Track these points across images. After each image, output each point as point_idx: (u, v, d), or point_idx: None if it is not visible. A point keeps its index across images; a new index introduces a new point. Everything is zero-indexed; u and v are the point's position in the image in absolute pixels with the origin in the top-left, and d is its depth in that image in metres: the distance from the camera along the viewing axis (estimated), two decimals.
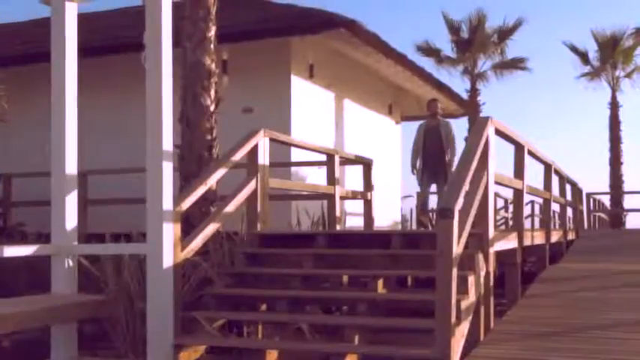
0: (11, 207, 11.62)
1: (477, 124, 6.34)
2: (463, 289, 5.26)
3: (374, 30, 11.38)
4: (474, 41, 22.63)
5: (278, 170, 9.25)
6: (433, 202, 11.93)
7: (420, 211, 11.24)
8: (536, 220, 18.15)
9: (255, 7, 12.04)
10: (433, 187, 11.04)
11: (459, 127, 33.83)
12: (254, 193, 7.22)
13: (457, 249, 4.86)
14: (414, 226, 18.16)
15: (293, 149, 10.32)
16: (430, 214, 11.54)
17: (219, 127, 8.31)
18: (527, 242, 8.01)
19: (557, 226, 12.72)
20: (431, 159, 10.52)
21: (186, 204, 5.99)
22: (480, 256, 5.91)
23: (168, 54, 5.43)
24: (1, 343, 6.13)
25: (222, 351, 5.98)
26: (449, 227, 4.72)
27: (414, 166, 10.74)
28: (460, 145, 10.07)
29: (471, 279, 5.51)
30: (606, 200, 24.06)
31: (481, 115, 21.28)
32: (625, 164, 25.19)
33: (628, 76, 25.84)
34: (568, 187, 12.89)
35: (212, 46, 8.18)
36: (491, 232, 6.24)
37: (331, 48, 11.84)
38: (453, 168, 9.86)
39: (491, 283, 6.24)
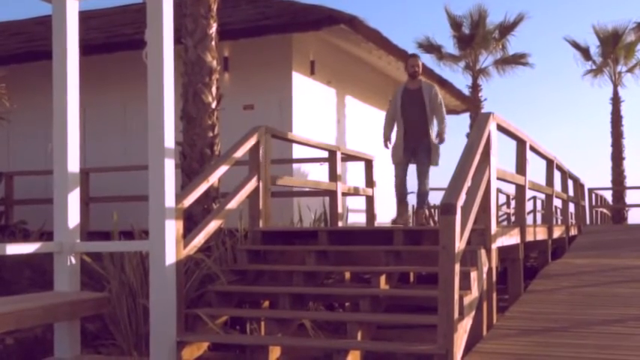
0: (13, 205, 11.63)
1: (479, 120, 6.33)
2: (466, 285, 5.27)
3: (375, 26, 11.38)
4: (475, 37, 22.63)
5: (280, 167, 9.25)
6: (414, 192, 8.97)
7: (399, 208, 8.55)
8: (539, 215, 18.15)
9: (256, 4, 12.04)
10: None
11: (461, 124, 33.88)
12: (256, 190, 7.22)
13: (459, 245, 4.86)
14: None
15: (294, 146, 10.33)
16: (426, 209, 9.19)
17: (221, 124, 8.31)
18: (529, 238, 8.00)
19: (559, 222, 12.73)
20: (411, 131, 8.38)
21: (189, 201, 6.00)
22: (483, 252, 5.91)
23: (169, 51, 5.42)
24: (4, 341, 6.14)
25: (225, 347, 5.99)
26: (451, 223, 4.72)
27: (387, 138, 8.67)
28: (440, 139, 8.42)
29: (474, 275, 5.51)
30: (608, 196, 24.05)
31: (483, 111, 21.29)
32: (627, 159, 25.22)
33: (630, 70, 25.83)
34: (570, 183, 12.87)
35: (213, 43, 8.18)
36: (494, 228, 6.24)
37: (332, 44, 11.84)
38: (445, 138, 8.38)
39: (494, 278, 6.24)
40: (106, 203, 10.87)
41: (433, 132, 8.36)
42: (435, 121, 8.42)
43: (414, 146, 8.36)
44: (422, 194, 8.39)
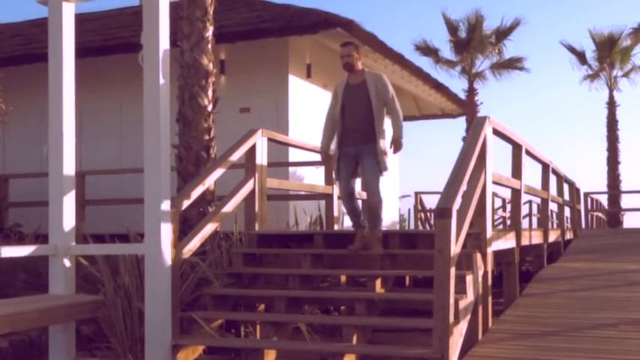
0: (8, 207, 11.61)
1: (475, 124, 6.34)
2: (461, 289, 5.27)
3: (372, 30, 11.41)
4: (471, 41, 22.68)
5: (276, 170, 9.25)
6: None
7: (358, 235, 6.56)
8: (534, 219, 18.18)
9: (252, 7, 12.04)
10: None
11: (457, 127, 33.90)
12: (252, 193, 7.22)
13: (455, 249, 4.86)
14: (412, 226, 18.20)
15: (291, 149, 10.33)
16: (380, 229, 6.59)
17: (217, 127, 8.31)
18: (525, 242, 8.01)
19: (554, 226, 12.74)
20: (351, 135, 6.50)
21: (184, 204, 5.99)
22: (478, 256, 5.91)
23: (165, 54, 5.42)
24: None
25: (220, 351, 5.98)
26: (447, 227, 4.72)
27: (325, 150, 6.79)
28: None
29: (469, 278, 5.51)
30: (604, 200, 24.12)
31: (479, 114, 21.34)
32: (623, 163, 25.30)
33: (626, 75, 25.91)
34: (566, 187, 12.90)
35: (209, 46, 8.19)
36: (489, 232, 6.24)
37: (328, 48, 11.83)
38: (402, 144, 6.52)
39: (489, 282, 6.24)
40: (102, 206, 10.87)
41: (382, 134, 6.48)
42: (384, 121, 6.53)
43: (356, 152, 6.52)
44: (372, 208, 6.49)
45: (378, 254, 6.36)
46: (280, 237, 7.43)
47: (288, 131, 10.89)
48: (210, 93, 8.16)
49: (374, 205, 6.47)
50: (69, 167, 5.80)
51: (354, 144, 6.51)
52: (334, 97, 6.70)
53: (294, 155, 10.63)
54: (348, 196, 6.63)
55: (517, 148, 7.83)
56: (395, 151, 6.55)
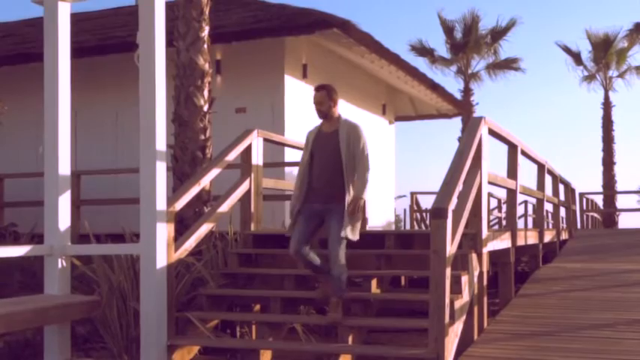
0: (3, 207, 11.58)
1: (471, 124, 6.35)
2: (457, 289, 5.27)
3: (368, 30, 11.42)
4: (467, 42, 22.70)
5: (272, 170, 9.25)
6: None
7: (322, 281, 5.81)
8: (530, 219, 18.20)
9: (248, 7, 12.03)
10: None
11: (452, 127, 33.91)
12: (247, 193, 7.22)
13: (451, 249, 4.87)
14: (408, 226, 18.21)
15: (286, 149, 10.33)
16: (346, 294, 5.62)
17: (213, 127, 8.31)
18: (520, 242, 8.02)
19: (550, 226, 12.76)
20: (318, 190, 5.71)
21: (180, 204, 5.98)
22: (474, 256, 5.92)
23: (161, 54, 5.41)
24: None
25: (215, 351, 5.97)
26: (442, 227, 4.72)
27: (294, 211, 5.78)
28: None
29: (465, 279, 5.51)
30: (599, 200, 24.15)
31: (474, 115, 21.36)
32: (618, 164, 25.34)
33: (621, 76, 25.96)
34: (561, 187, 12.91)
35: (205, 45, 8.18)
36: (485, 232, 6.25)
37: (325, 48, 11.84)
38: (360, 206, 5.58)
39: (485, 282, 6.25)
40: (98, 206, 10.85)
41: (351, 192, 5.63)
42: (353, 170, 5.65)
43: (322, 210, 5.67)
44: (335, 278, 5.51)
45: (374, 254, 6.34)
46: (276, 237, 7.42)
47: (284, 131, 10.89)
48: (206, 93, 8.15)
49: (336, 274, 5.51)
50: (64, 167, 5.78)
51: (320, 200, 5.68)
52: (305, 145, 5.94)
53: (289, 155, 10.62)
54: (297, 254, 5.62)
55: (512, 149, 7.84)
56: (350, 213, 5.55)
